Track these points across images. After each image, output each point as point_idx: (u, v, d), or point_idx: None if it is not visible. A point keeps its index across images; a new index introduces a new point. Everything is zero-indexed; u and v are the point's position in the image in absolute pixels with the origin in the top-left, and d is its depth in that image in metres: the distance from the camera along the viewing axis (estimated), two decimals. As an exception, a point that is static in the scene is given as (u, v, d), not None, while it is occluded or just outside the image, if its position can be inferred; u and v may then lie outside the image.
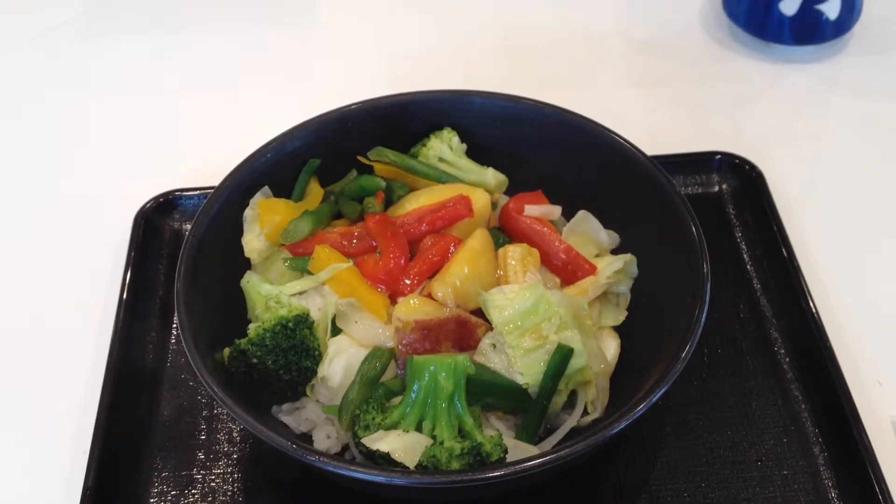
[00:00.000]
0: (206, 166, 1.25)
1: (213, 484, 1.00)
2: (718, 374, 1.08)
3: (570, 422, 0.96)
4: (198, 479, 1.01)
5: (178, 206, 1.25)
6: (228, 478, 1.01)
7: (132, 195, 1.25)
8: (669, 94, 1.46)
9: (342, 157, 1.13)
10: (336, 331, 0.99)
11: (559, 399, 0.96)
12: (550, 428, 0.97)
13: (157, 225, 1.23)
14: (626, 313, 1.06)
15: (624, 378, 1.00)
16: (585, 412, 0.97)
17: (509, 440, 0.92)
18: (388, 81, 1.42)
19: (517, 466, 0.84)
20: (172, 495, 1.00)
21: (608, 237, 1.10)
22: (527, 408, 0.95)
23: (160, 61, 1.55)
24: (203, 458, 1.02)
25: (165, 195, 1.24)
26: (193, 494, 1.00)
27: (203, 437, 1.04)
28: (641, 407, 0.87)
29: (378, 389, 0.93)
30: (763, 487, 0.98)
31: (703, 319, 0.92)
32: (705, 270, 0.96)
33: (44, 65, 1.55)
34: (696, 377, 1.07)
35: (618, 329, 1.05)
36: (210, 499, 0.99)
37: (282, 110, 1.17)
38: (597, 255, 1.09)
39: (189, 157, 1.36)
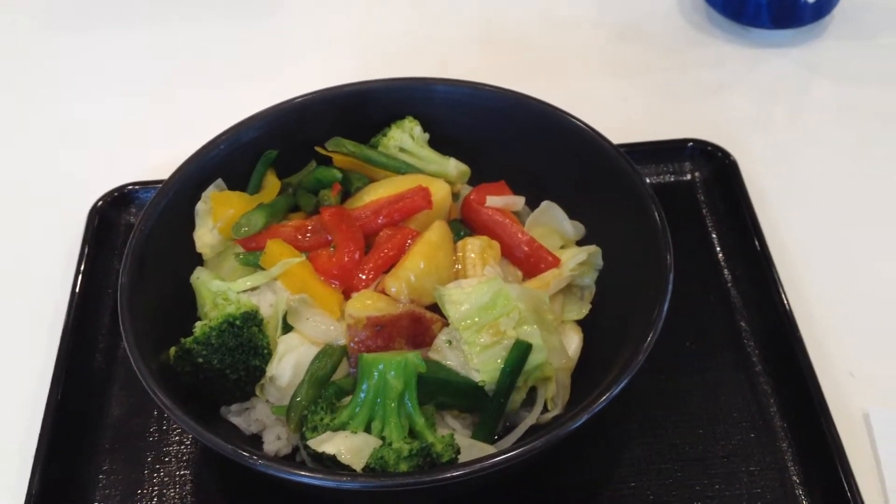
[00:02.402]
0: (166, 160, 1.21)
1: (162, 487, 0.97)
2: (686, 368, 1.05)
3: (530, 419, 0.93)
4: (147, 481, 0.98)
5: (135, 200, 1.21)
6: (178, 479, 0.98)
7: (88, 190, 1.21)
8: (645, 80, 1.42)
9: (301, 148, 1.10)
10: (287, 328, 0.95)
11: (518, 396, 0.93)
12: (509, 426, 0.94)
13: (111, 220, 1.19)
14: (590, 307, 1.02)
15: (587, 373, 0.97)
16: (546, 409, 0.94)
17: (465, 439, 0.89)
18: (359, 72, 1.39)
19: (469, 467, 0.80)
20: (120, 498, 0.97)
21: (573, 228, 1.07)
22: (483, 406, 0.91)
23: (121, 54, 1.51)
24: (152, 459, 0.99)
25: (120, 189, 1.21)
26: (143, 496, 0.97)
27: (153, 439, 1.01)
28: (601, 402, 0.84)
29: (329, 389, 0.90)
30: (728, 484, 0.95)
31: (664, 312, 0.89)
32: (668, 261, 0.93)
33: (1, 57, 1.52)
34: (662, 371, 1.04)
35: (581, 323, 1.02)
36: (158, 501, 0.96)
37: (249, 103, 1.13)
38: (562, 247, 1.06)
39: (148, 150, 1.32)
